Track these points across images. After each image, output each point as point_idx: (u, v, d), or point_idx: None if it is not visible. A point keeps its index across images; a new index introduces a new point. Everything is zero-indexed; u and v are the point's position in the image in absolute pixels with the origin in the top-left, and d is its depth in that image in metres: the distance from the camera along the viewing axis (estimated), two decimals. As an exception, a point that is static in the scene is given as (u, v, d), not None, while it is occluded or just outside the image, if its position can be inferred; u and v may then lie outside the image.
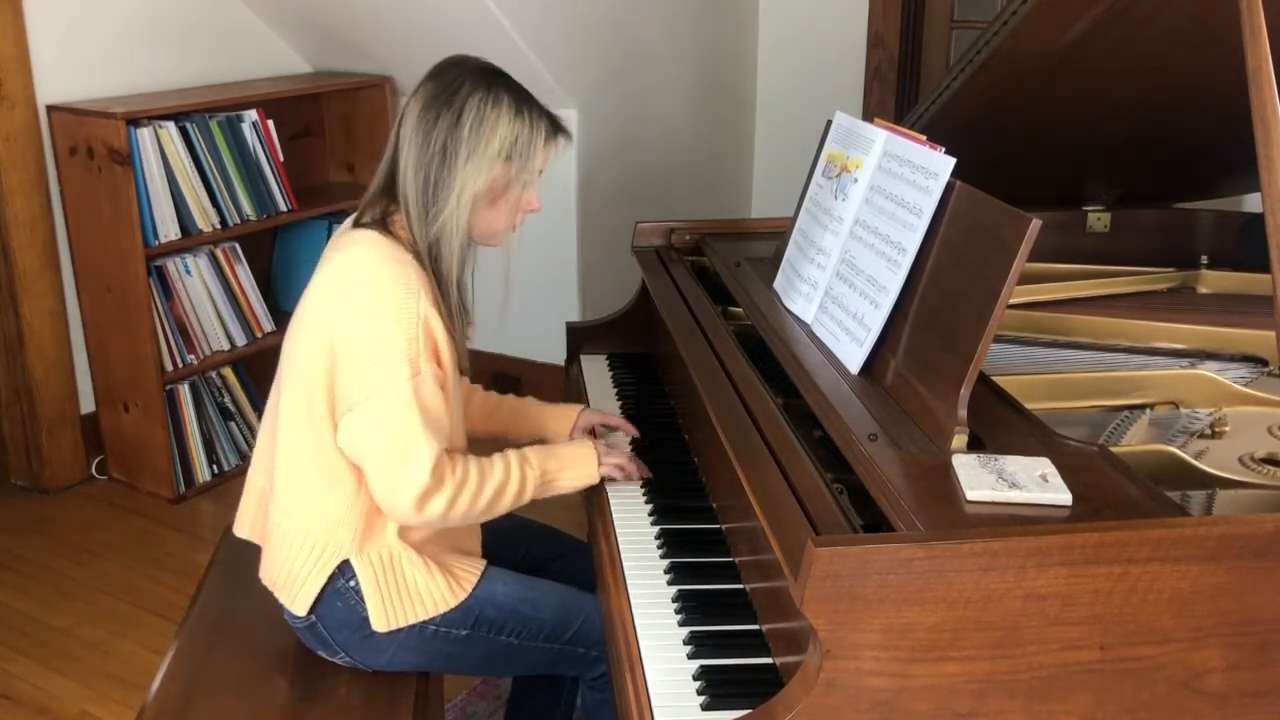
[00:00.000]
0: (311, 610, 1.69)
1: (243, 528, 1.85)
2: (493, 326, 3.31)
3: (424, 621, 1.69)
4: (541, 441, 1.96)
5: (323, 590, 1.68)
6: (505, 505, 1.70)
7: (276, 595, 1.74)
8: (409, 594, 1.68)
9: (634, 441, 2.01)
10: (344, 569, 1.68)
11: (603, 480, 1.84)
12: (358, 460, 1.63)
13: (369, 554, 1.67)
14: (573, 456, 1.79)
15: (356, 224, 1.70)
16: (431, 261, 1.65)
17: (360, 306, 1.61)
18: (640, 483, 1.86)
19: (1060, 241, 2.34)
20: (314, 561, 1.68)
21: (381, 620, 1.67)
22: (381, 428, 1.59)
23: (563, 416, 2.03)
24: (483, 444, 1.90)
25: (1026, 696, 1.16)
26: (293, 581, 1.70)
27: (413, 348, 1.59)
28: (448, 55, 1.72)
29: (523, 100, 1.67)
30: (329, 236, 3.47)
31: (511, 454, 1.72)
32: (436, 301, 1.64)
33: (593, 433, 2.02)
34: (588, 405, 2.09)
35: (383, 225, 1.67)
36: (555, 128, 1.71)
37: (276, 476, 1.71)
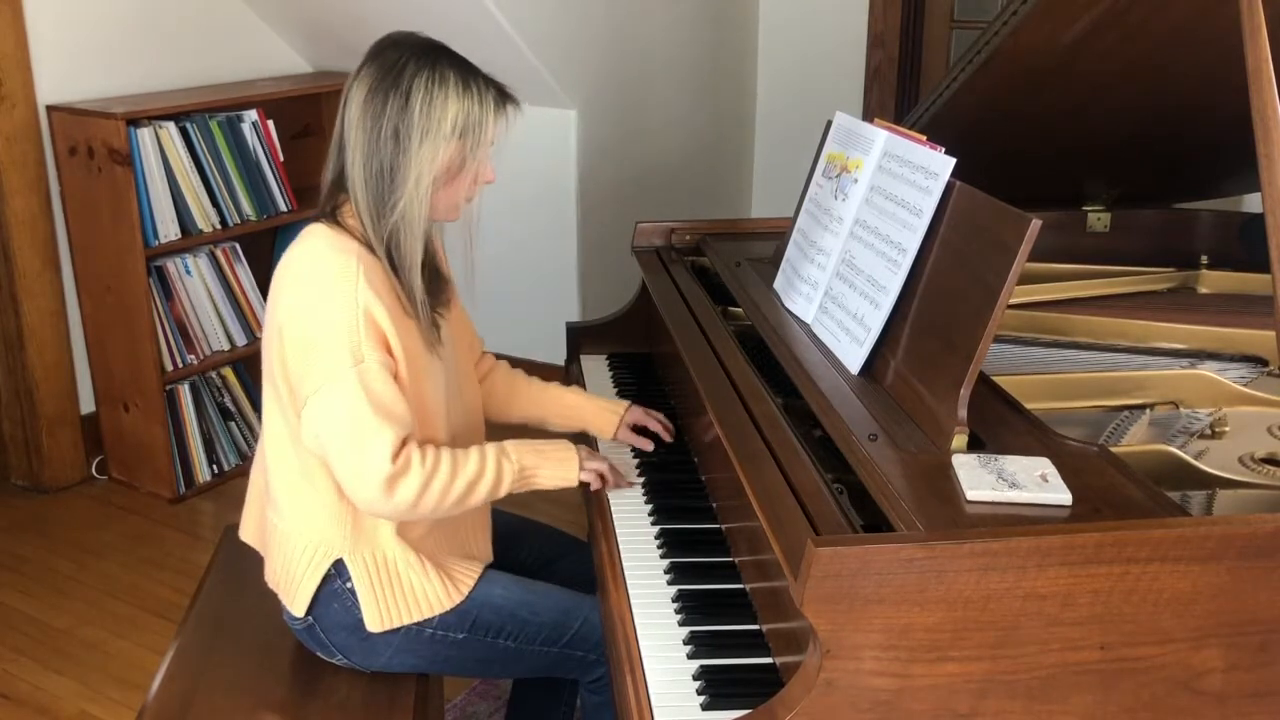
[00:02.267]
0: (309, 612, 1.69)
1: (246, 532, 1.85)
2: (493, 322, 3.32)
3: (420, 624, 1.69)
4: (581, 435, 1.97)
5: (319, 591, 1.68)
6: (480, 497, 1.67)
7: (279, 597, 1.74)
8: (404, 595, 1.68)
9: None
10: (340, 570, 1.68)
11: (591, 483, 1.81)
12: (323, 456, 1.62)
13: (363, 554, 1.67)
14: (555, 456, 1.76)
15: (313, 219, 1.69)
16: (390, 250, 1.63)
17: (300, 299, 1.60)
18: (635, 484, 1.85)
19: (1060, 241, 2.34)
20: (308, 561, 1.68)
21: (376, 620, 1.67)
22: (334, 419, 1.57)
23: (607, 415, 1.99)
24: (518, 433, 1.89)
25: (1026, 696, 1.16)
26: (290, 582, 1.70)
27: (353, 336, 1.56)
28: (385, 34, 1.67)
29: (468, 73, 1.63)
30: (329, 236, 3.48)
31: (490, 446, 1.70)
32: (390, 288, 1.62)
33: (638, 430, 2.00)
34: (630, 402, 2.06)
35: (331, 217, 1.66)
36: (503, 97, 1.67)
37: (269, 477, 1.71)
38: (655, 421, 2.00)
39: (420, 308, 1.65)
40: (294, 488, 1.68)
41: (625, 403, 2.02)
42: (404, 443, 1.58)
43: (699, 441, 1.93)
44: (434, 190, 1.63)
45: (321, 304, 1.58)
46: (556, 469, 1.75)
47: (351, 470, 1.58)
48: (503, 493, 1.70)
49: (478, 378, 1.94)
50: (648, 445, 1.97)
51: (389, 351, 1.61)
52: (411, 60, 1.61)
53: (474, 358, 1.95)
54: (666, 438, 1.99)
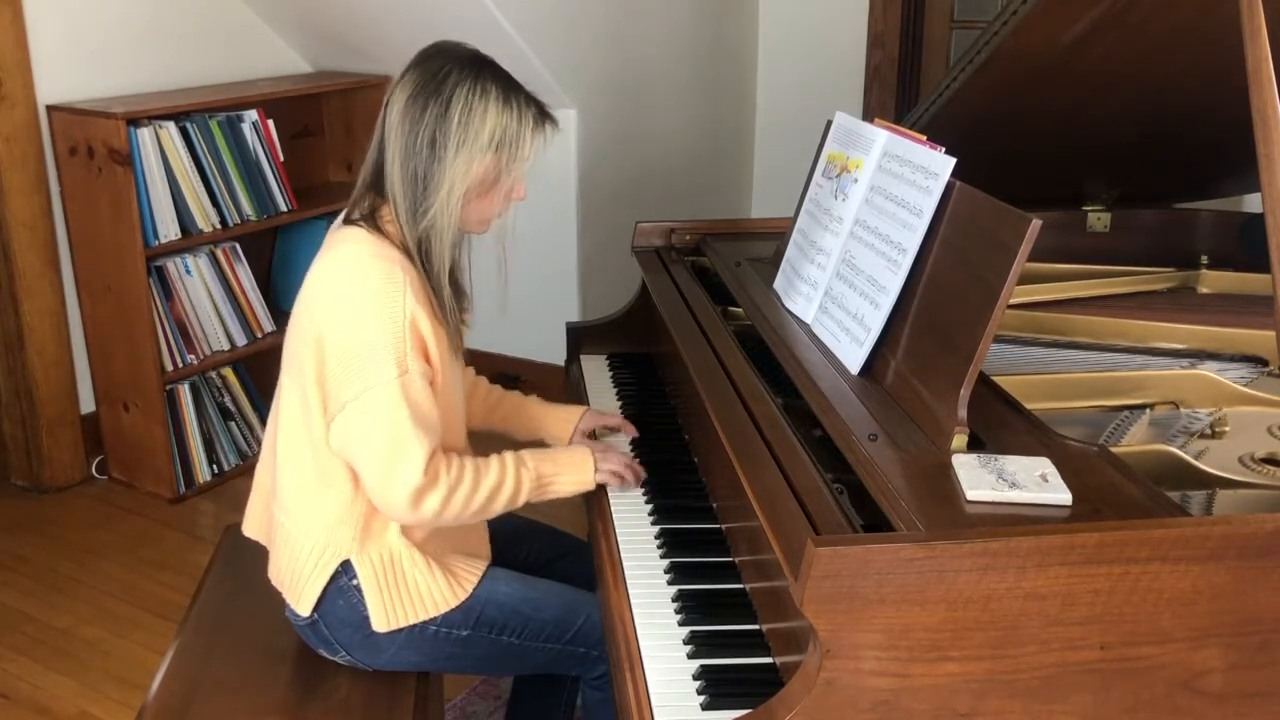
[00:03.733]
0: (314, 609, 1.70)
1: (250, 527, 1.86)
2: (493, 322, 3.34)
3: (425, 621, 1.69)
4: (540, 443, 1.96)
5: (325, 589, 1.68)
6: (499, 507, 1.70)
7: (284, 595, 1.75)
8: (410, 594, 1.68)
9: (634, 441, 2.01)
10: (346, 568, 1.68)
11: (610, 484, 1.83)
12: (350, 461, 1.63)
13: (370, 553, 1.68)
14: (570, 462, 1.78)
15: (346, 220, 1.69)
16: (421, 256, 1.64)
17: (346, 306, 1.60)
18: (639, 486, 1.86)
19: (1060, 241, 2.34)
20: (315, 561, 1.68)
21: (382, 620, 1.67)
22: (371, 428, 1.58)
23: (563, 420, 2.01)
24: (479, 439, 1.90)
25: (1026, 696, 1.16)
26: (297, 581, 1.70)
27: (399, 347, 1.58)
28: (433, 41, 1.68)
29: (510, 89, 1.65)
30: (329, 236, 3.48)
31: (509, 456, 1.72)
32: (427, 297, 1.63)
33: (593, 434, 2.02)
34: (589, 405, 2.09)
35: (371, 221, 1.66)
36: (542, 115, 1.68)
37: (278, 475, 1.72)
38: (614, 419, 2.03)
39: (450, 314, 1.66)
40: (306, 488, 1.68)
41: (581, 409, 2.04)
42: (432, 454, 1.60)
43: (699, 441, 1.93)
44: (465, 202, 1.64)
45: (368, 312, 1.58)
46: (572, 475, 1.77)
47: (383, 479, 1.59)
48: (521, 502, 1.72)
49: None
50: (630, 433, 2.00)
51: (428, 360, 1.63)
52: (455, 70, 1.62)
53: None
54: (628, 432, 2.01)
